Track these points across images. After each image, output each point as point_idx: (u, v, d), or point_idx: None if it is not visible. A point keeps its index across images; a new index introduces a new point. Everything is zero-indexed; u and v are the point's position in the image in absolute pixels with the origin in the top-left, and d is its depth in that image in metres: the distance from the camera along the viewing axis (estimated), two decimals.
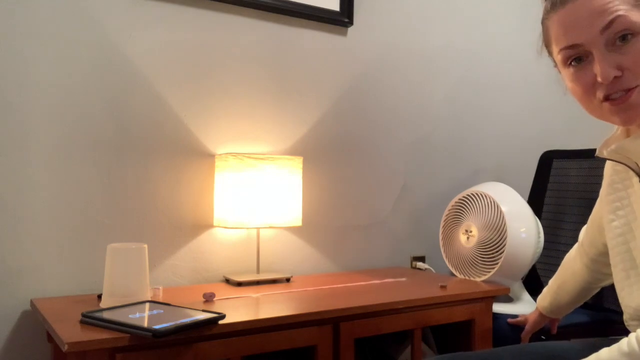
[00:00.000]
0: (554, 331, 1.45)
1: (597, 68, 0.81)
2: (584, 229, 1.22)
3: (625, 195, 0.94)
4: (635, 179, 0.90)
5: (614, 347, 0.77)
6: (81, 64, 1.45)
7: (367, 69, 1.93)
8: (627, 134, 0.92)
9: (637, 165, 0.88)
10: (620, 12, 0.79)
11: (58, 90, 1.42)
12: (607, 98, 0.82)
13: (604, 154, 0.91)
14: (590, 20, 0.81)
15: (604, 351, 0.78)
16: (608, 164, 1.02)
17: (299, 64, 1.79)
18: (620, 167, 0.96)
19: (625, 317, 0.98)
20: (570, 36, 0.83)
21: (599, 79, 0.81)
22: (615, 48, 0.80)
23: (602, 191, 1.03)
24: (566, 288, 1.28)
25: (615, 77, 0.80)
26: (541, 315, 1.40)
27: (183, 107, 1.59)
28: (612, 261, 0.97)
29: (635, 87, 0.81)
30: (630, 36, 0.79)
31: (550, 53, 0.92)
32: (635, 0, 0.80)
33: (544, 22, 0.90)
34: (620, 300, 0.97)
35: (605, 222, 0.99)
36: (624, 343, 0.76)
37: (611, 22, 0.79)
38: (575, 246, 1.26)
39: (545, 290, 1.36)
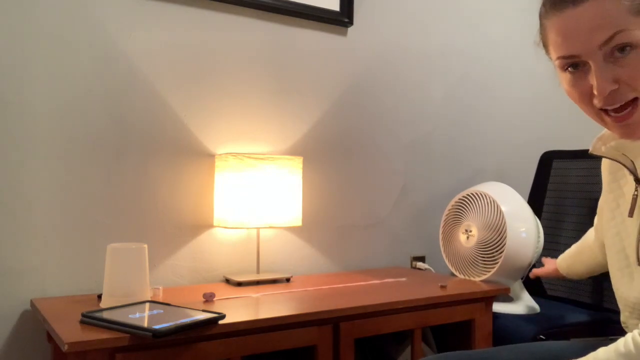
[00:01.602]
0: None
1: (593, 81, 0.80)
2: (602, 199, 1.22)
3: (621, 194, 0.94)
4: (630, 177, 0.90)
5: (611, 347, 0.77)
6: (81, 64, 1.45)
7: (367, 69, 1.93)
8: None
9: (633, 163, 0.88)
10: (620, 27, 0.77)
11: (58, 90, 1.42)
12: (603, 109, 0.82)
13: (602, 150, 0.90)
14: (589, 33, 0.79)
15: (601, 351, 0.78)
16: (604, 163, 1.02)
17: (299, 64, 1.79)
18: (615, 166, 0.96)
19: (622, 318, 0.98)
20: (568, 47, 0.81)
21: (595, 92, 0.80)
22: (614, 59, 0.79)
23: (604, 188, 1.03)
24: (582, 259, 1.32)
25: (612, 90, 0.79)
26: (557, 271, 1.45)
27: (183, 107, 1.59)
28: (609, 260, 0.98)
29: (633, 100, 0.79)
30: (629, 48, 0.78)
31: (546, 52, 0.91)
32: (635, 12, 0.78)
33: (542, 18, 0.88)
34: (618, 300, 0.97)
35: (605, 220, 0.99)
36: (620, 343, 0.76)
37: (611, 37, 0.78)
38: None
39: (566, 252, 1.40)
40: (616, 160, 0.90)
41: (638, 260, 0.88)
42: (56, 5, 1.42)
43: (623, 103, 0.80)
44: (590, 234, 1.31)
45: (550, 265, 1.50)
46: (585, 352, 0.84)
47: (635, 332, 0.75)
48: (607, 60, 0.79)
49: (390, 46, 1.98)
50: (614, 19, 0.77)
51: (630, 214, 0.90)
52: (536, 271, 1.53)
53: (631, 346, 0.73)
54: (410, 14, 2.03)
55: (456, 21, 2.15)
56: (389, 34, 1.98)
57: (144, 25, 1.53)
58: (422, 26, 2.06)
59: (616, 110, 0.81)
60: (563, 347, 1.06)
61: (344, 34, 1.88)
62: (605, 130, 0.95)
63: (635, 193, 0.89)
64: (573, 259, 1.36)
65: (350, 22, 1.85)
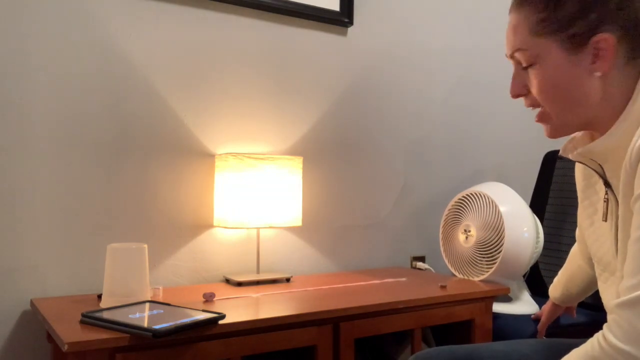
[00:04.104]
0: (574, 315, 1.48)
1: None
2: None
3: (598, 199, 0.93)
4: (601, 181, 0.90)
5: (581, 349, 0.77)
6: (81, 64, 1.45)
7: (367, 69, 1.93)
8: (591, 136, 0.92)
9: (601, 167, 0.87)
10: (518, 45, 0.84)
11: (58, 90, 1.42)
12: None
13: (570, 156, 0.91)
14: (507, 41, 0.87)
15: (573, 354, 0.78)
16: (578, 168, 1.02)
17: (299, 64, 1.79)
18: (588, 170, 0.96)
19: (607, 313, 0.97)
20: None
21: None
22: (525, 68, 0.86)
23: (579, 197, 1.03)
24: (575, 281, 1.30)
25: (525, 95, 0.87)
26: (555, 305, 1.43)
27: (183, 107, 1.59)
28: (595, 266, 0.97)
29: (543, 109, 0.86)
30: (531, 64, 0.84)
31: None
32: (534, 32, 0.83)
33: None
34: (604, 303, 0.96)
35: (585, 228, 0.99)
36: (589, 345, 0.75)
37: (513, 53, 0.86)
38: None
39: (555, 281, 1.38)
40: (586, 165, 0.90)
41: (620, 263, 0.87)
42: (56, 5, 1.42)
43: (536, 107, 0.87)
44: (574, 253, 1.29)
45: (545, 307, 1.46)
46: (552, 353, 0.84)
47: (600, 333, 0.75)
48: (520, 67, 0.86)
49: (390, 46, 1.98)
50: (518, 35, 0.84)
51: (604, 218, 0.89)
52: (541, 327, 1.47)
53: (596, 347, 0.74)
54: (410, 14, 2.03)
55: (456, 21, 2.15)
56: (389, 34, 1.98)
57: (144, 25, 1.53)
58: (422, 26, 2.06)
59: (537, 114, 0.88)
60: (536, 347, 1.06)
61: (344, 34, 1.88)
62: (576, 133, 0.96)
63: (606, 197, 0.88)
64: (566, 284, 1.33)
65: (350, 22, 1.85)
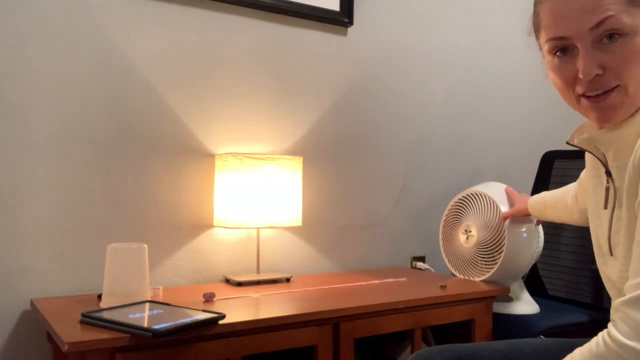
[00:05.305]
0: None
1: (580, 64, 0.81)
2: (583, 172, 1.22)
3: (599, 182, 0.95)
4: (602, 169, 0.91)
5: (585, 347, 0.77)
6: (81, 64, 1.45)
7: (367, 69, 1.93)
8: (599, 125, 0.93)
9: (604, 156, 0.89)
10: (611, 12, 0.78)
11: (58, 90, 1.42)
12: (585, 94, 0.83)
13: (575, 142, 0.91)
14: (581, 15, 0.80)
15: (577, 352, 0.78)
16: (588, 154, 1.03)
17: (299, 64, 1.79)
18: (593, 156, 0.97)
19: (612, 311, 0.98)
20: (560, 28, 0.82)
21: (580, 76, 0.81)
22: (602, 46, 0.80)
23: (587, 174, 1.03)
24: (557, 211, 1.38)
25: (597, 75, 0.80)
26: (526, 210, 1.53)
27: (183, 107, 1.59)
28: (595, 248, 0.99)
29: (615, 87, 0.81)
30: (618, 36, 0.79)
31: (537, 37, 0.93)
32: (628, 1, 0.79)
33: (536, 4, 0.90)
34: (604, 282, 0.97)
35: (587, 205, 1.01)
36: (593, 343, 0.76)
37: (601, 21, 0.79)
38: (576, 183, 1.30)
39: (542, 197, 1.45)
40: (590, 152, 0.91)
41: (610, 251, 0.89)
42: (56, 5, 1.42)
43: (605, 90, 0.81)
44: (569, 191, 1.33)
45: (520, 204, 1.55)
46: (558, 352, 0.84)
47: (605, 331, 0.76)
48: (594, 46, 0.80)
49: (390, 46, 1.98)
50: (606, 4, 0.78)
51: (605, 206, 0.91)
52: (505, 213, 1.57)
53: (601, 345, 0.74)
54: (410, 14, 2.03)
55: (456, 21, 2.15)
56: (389, 34, 1.98)
57: (144, 25, 1.53)
58: (422, 26, 2.06)
59: (597, 96, 0.82)
60: (536, 346, 1.06)
61: (344, 34, 1.88)
62: (586, 121, 0.96)
63: (608, 185, 0.90)
64: (548, 208, 1.41)
65: (350, 22, 1.85)
